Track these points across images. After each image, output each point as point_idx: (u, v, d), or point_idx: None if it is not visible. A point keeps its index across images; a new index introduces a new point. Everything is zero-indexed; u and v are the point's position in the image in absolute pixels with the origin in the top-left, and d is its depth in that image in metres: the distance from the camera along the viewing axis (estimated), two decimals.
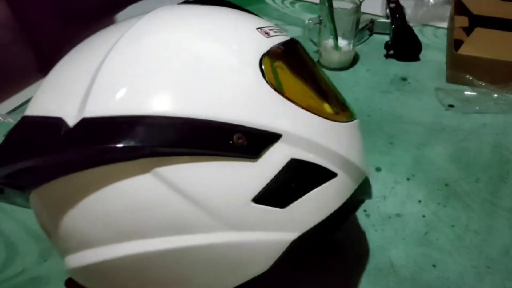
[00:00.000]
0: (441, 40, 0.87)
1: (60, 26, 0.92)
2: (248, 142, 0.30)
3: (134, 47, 0.32)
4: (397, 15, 0.85)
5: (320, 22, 0.79)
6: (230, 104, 0.31)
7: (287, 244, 0.33)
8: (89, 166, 0.29)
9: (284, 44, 0.37)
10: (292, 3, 1.04)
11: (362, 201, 0.46)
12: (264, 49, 0.35)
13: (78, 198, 0.31)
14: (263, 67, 0.33)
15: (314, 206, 0.34)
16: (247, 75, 0.32)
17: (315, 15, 0.81)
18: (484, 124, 0.67)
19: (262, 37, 0.36)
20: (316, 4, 1.00)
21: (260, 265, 0.33)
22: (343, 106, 0.40)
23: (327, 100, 0.38)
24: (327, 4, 0.76)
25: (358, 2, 0.78)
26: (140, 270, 0.32)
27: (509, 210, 0.54)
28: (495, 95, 0.70)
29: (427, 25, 0.91)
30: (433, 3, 0.92)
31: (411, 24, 0.85)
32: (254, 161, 0.31)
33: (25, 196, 0.34)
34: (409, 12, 0.90)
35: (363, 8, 0.79)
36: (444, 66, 0.80)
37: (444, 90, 0.73)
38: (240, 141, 0.30)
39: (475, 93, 0.71)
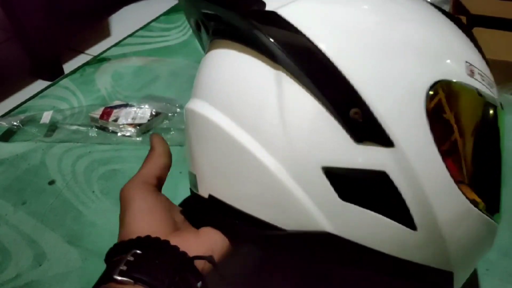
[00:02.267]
0: None
1: (55, 28, 0.92)
2: (361, 124, 0.30)
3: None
4: None
5: None
6: (373, 88, 0.30)
7: (320, 230, 0.32)
8: (233, 36, 0.34)
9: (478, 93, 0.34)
10: None
11: None
12: (450, 78, 0.32)
13: (216, 60, 0.36)
14: (431, 91, 0.31)
15: (368, 227, 0.31)
16: (411, 81, 0.31)
17: None
18: None
19: (463, 71, 0.33)
20: None
21: (288, 223, 0.33)
22: (494, 204, 0.36)
23: (474, 180, 0.33)
24: None
25: None
26: (205, 137, 0.35)
27: (508, 212, 0.54)
28: None
29: None
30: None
31: None
32: (351, 142, 0.30)
33: (209, 41, 0.39)
34: None
35: None
36: None
37: None
38: (355, 116, 0.30)
39: None
